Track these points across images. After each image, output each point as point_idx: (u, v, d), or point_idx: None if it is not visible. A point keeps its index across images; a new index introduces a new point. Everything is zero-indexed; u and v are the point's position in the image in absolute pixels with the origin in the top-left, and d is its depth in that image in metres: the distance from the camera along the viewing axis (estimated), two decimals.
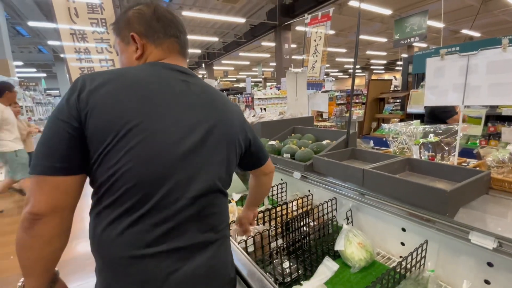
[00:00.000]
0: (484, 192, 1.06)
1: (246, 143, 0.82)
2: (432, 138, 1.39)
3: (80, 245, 2.87)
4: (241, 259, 0.94)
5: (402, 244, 1.25)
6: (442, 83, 1.27)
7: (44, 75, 18.63)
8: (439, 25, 7.19)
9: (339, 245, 1.18)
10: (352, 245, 1.18)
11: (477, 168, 1.16)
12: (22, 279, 0.66)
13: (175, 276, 0.63)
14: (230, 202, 1.64)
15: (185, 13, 8.47)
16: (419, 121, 1.55)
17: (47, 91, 12.44)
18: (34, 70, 17.51)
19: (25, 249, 0.61)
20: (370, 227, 1.38)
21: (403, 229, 1.23)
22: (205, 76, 17.43)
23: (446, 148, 1.34)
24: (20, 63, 14.77)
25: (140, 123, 0.61)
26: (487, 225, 0.85)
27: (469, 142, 2.99)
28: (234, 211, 1.55)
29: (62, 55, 13.77)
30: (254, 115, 2.55)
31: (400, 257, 1.24)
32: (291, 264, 1.10)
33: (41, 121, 7.42)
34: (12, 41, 8.37)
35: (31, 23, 8.72)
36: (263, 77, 18.59)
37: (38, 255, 0.62)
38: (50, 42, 11.32)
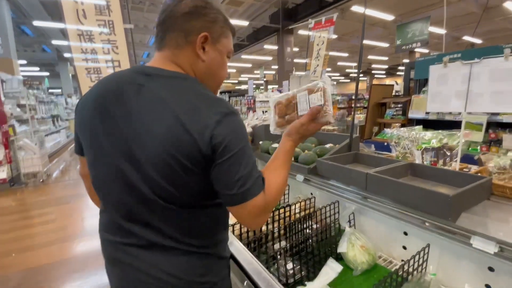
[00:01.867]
0: (485, 198, 1.08)
1: (197, 156, 0.60)
2: (434, 143, 1.41)
3: (81, 243, 2.89)
4: (247, 259, 0.96)
5: (404, 248, 1.26)
6: (445, 90, 1.30)
7: (47, 74, 18.71)
8: (441, 31, 7.24)
9: (341, 248, 1.19)
10: (354, 248, 1.20)
11: (479, 174, 1.17)
12: None
13: (119, 267, 0.72)
14: None
15: None
16: (421, 126, 1.57)
17: (50, 90, 12.49)
18: (38, 69, 17.57)
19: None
20: (372, 231, 1.40)
21: (405, 233, 1.25)
22: None
23: (448, 154, 1.36)
24: (24, 62, 14.83)
25: (87, 133, 0.71)
26: (488, 230, 0.86)
27: (470, 148, 3.00)
28: None
29: (66, 55, 13.87)
30: (257, 118, 2.57)
31: (402, 260, 1.26)
32: (294, 265, 1.12)
33: (43, 120, 7.44)
34: (17, 40, 8.40)
35: (36, 23, 8.77)
36: (265, 79, 18.66)
37: (92, 199, 0.90)
38: (54, 42, 11.38)
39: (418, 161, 1.47)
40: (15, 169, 5.25)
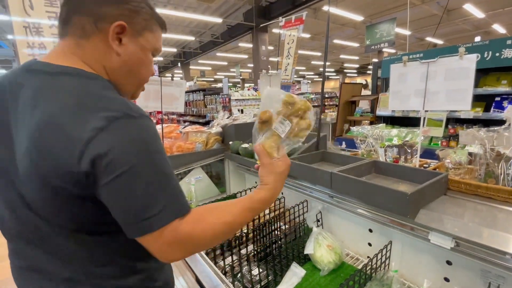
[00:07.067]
0: (442, 193, 1.11)
1: (77, 172, 0.47)
2: (396, 141, 1.44)
3: None
4: (205, 271, 0.91)
5: (369, 244, 1.28)
6: (404, 88, 1.33)
7: (4, 71, 17.23)
8: (406, 32, 7.63)
9: (308, 249, 1.18)
10: (321, 248, 1.19)
11: (436, 170, 1.21)
12: None
13: None
14: None
15: (159, 10, 8.21)
16: (384, 124, 1.60)
17: None
18: None
19: None
20: (339, 229, 1.41)
21: (370, 230, 1.27)
22: (180, 76, 17.04)
23: (409, 150, 1.40)
24: None
25: None
26: (445, 225, 0.89)
27: (431, 143, 3.17)
28: None
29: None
30: (228, 117, 2.51)
31: (368, 257, 1.28)
32: (260, 270, 1.08)
33: None
34: None
35: None
36: (241, 78, 18.55)
37: None
38: (10, 37, 10.45)
39: (381, 158, 1.50)
40: None
